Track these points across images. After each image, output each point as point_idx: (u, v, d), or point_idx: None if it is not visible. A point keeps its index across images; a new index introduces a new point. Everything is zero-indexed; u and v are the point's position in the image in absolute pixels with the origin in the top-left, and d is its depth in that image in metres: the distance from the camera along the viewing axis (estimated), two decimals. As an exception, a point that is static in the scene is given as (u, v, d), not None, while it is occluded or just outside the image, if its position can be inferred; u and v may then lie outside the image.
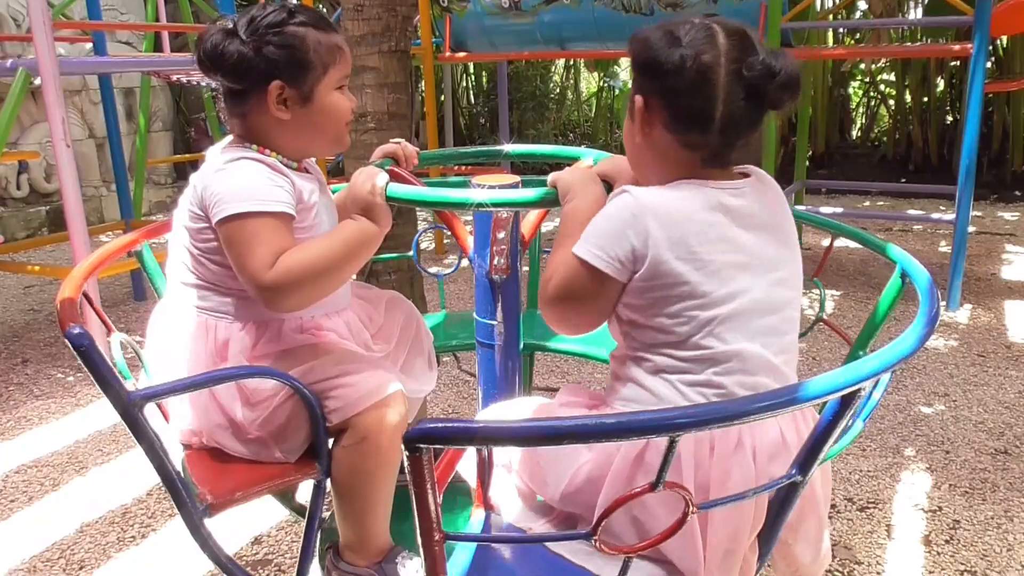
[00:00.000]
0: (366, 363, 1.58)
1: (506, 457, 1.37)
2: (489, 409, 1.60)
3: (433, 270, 5.27)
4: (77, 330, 1.22)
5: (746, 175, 1.34)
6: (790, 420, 1.25)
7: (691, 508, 0.91)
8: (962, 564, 2.21)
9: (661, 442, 1.09)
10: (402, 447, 0.88)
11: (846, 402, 1.00)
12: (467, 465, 1.72)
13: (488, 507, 1.42)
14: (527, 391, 2.45)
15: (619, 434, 0.88)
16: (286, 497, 1.81)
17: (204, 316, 1.55)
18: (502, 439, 0.88)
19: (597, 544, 0.91)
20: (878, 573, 2.18)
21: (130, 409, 1.26)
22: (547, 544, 1.28)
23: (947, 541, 2.31)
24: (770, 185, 1.36)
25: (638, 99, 1.29)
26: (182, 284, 1.57)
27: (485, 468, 1.38)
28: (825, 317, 1.80)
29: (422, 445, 0.85)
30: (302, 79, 1.53)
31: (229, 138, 1.61)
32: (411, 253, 2.75)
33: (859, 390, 0.97)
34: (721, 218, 1.25)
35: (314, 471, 1.53)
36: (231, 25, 1.51)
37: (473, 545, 1.33)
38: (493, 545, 1.36)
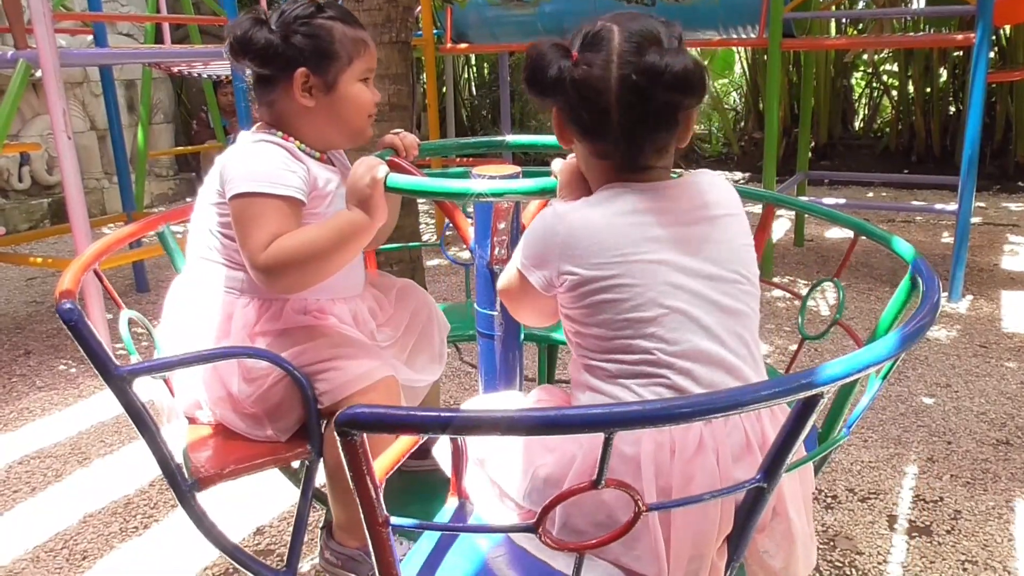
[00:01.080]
0: (360, 348, 1.62)
1: (480, 452, 1.35)
2: (471, 400, 1.63)
3: (434, 262, 5.28)
4: (68, 305, 1.26)
5: (678, 176, 1.30)
6: (755, 421, 1.20)
7: (641, 507, 0.88)
8: (963, 554, 2.21)
9: (622, 445, 1.12)
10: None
11: (808, 405, 0.92)
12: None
13: (462, 496, 1.42)
14: (549, 383, 2.45)
15: (549, 428, 0.85)
16: (295, 476, 1.84)
17: (217, 291, 1.61)
18: (427, 426, 0.84)
19: (541, 537, 0.89)
20: (879, 563, 2.18)
21: (119, 383, 1.30)
22: (513, 538, 1.27)
23: (948, 531, 2.31)
24: (706, 181, 1.31)
25: (555, 110, 1.29)
26: (201, 259, 1.64)
27: (460, 458, 1.38)
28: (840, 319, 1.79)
29: (352, 431, 0.83)
30: (327, 68, 1.61)
31: (254, 127, 1.68)
32: (414, 244, 2.76)
33: (819, 395, 0.90)
34: (643, 220, 1.21)
35: (305, 451, 1.56)
36: (262, 16, 1.60)
37: (437, 533, 1.33)
38: (465, 535, 1.33)
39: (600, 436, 0.83)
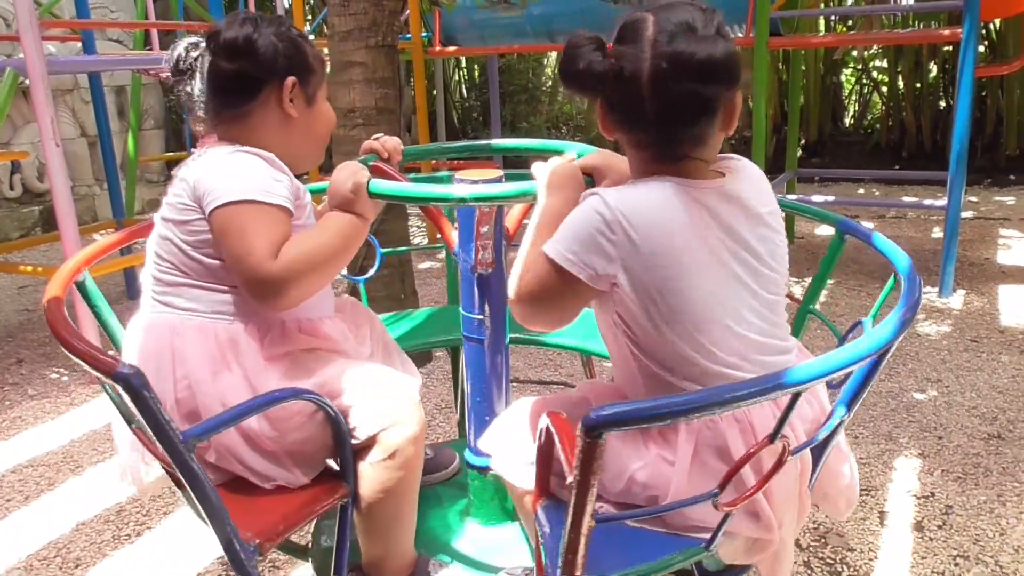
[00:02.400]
0: (382, 372, 1.56)
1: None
2: (514, 407, 1.52)
3: (425, 265, 5.28)
4: (128, 369, 1.08)
5: (726, 168, 1.33)
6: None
7: (787, 454, 1.06)
8: (955, 549, 2.22)
9: (714, 443, 1.24)
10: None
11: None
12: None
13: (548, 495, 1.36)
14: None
15: (760, 393, 0.99)
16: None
17: (198, 319, 1.47)
18: (674, 414, 0.95)
19: (720, 505, 1.06)
20: (871, 559, 2.19)
21: (183, 452, 1.15)
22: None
23: (940, 526, 2.32)
24: (749, 173, 1.35)
25: (598, 103, 1.30)
26: (169, 287, 1.50)
27: (549, 462, 1.31)
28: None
29: (601, 431, 0.91)
30: (307, 80, 1.59)
31: (211, 144, 1.57)
32: (402, 248, 2.75)
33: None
34: (698, 218, 1.24)
35: (344, 491, 1.46)
36: (257, 19, 1.55)
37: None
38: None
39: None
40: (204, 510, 1.21)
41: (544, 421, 1.19)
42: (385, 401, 1.48)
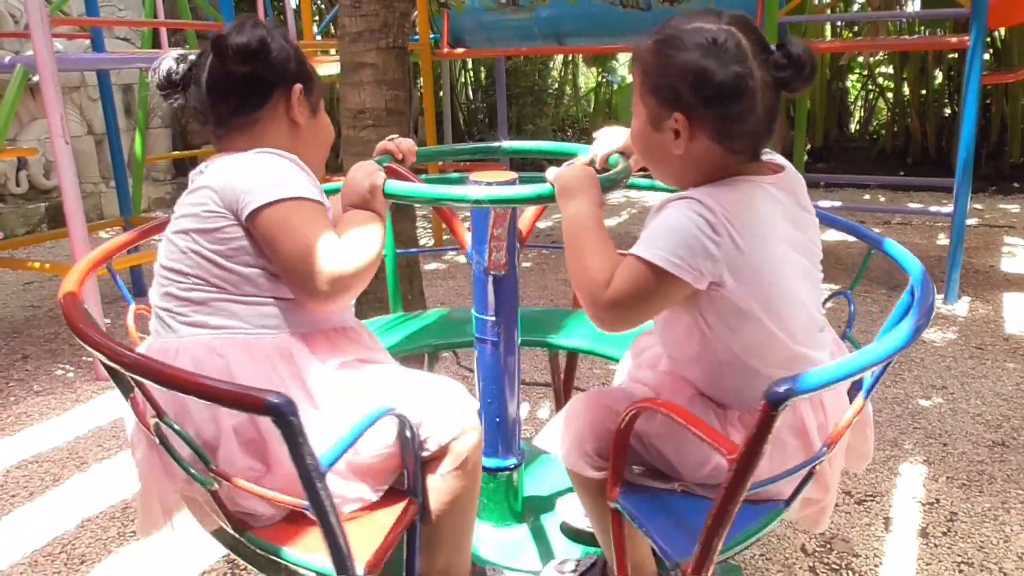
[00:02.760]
0: (439, 381, 1.53)
1: (650, 429, 1.41)
2: (571, 404, 1.52)
3: (432, 266, 5.28)
4: (277, 399, 1.02)
5: (778, 165, 1.41)
6: None
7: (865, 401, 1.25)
8: (959, 556, 2.22)
9: (793, 422, 1.36)
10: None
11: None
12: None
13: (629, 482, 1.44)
14: (566, 389, 2.46)
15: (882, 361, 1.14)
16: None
17: (240, 335, 1.39)
18: (854, 373, 1.11)
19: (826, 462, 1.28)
20: (876, 565, 2.19)
21: (314, 478, 1.09)
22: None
23: (944, 533, 2.32)
24: (789, 167, 1.43)
25: (679, 118, 1.30)
26: (196, 306, 1.40)
27: (623, 454, 1.37)
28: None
29: (785, 402, 1.02)
30: (311, 90, 1.58)
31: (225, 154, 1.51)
32: (412, 250, 2.75)
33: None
34: (775, 213, 1.33)
35: (415, 506, 1.41)
36: (264, 25, 1.52)
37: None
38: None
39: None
40: (329, 543, 1.16)
41: (600, 412, 1.37)
42: (450, 411, 1.44)
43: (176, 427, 1.22)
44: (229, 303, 1.39)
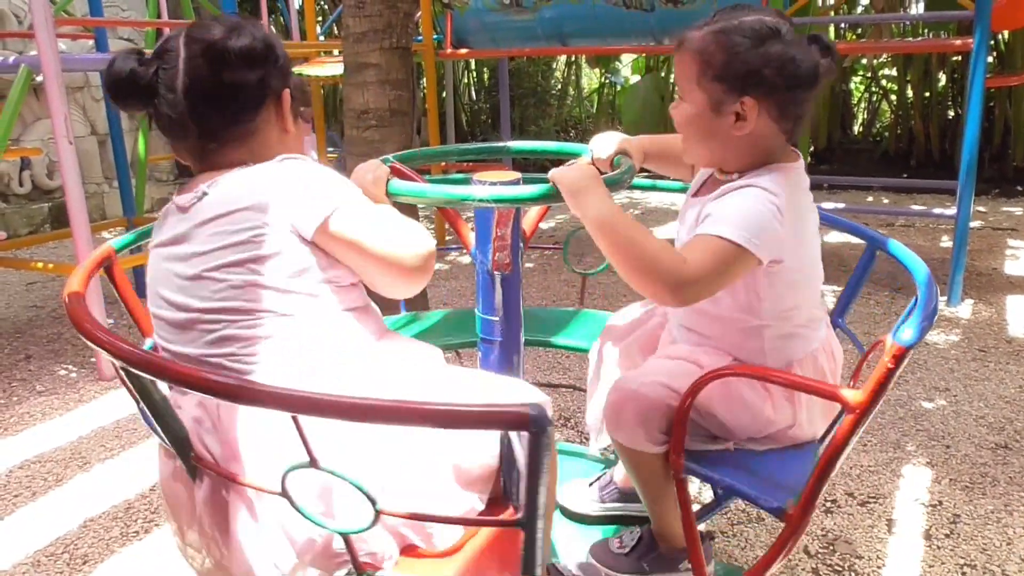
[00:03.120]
0: (498, 378, 1.53)
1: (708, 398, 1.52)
2: (615, 386, 1.55)
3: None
4: (536, 411, 0.93)
5: (795, 151, 1.55)
6: None
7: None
8: (962, 558, 2.22)
9: (815, 374, 1.57)
10: None
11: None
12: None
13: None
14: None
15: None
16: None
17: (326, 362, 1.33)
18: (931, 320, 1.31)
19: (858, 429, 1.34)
20: (879, 567, 2.19)
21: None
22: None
23: (947, 535, 2.32)
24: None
25: (747, 101, 1.43)
26: (263, 342, 1.29)
27: (682, 430, 1.47)
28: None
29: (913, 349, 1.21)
30: (293, 95, 1.48)
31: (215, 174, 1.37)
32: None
33: None
34: (809, 193, 1.53)
35: (515, 510, 1.33)
36: (254, 23, 1.43)
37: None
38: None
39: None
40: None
41: (665, 384, 1.48)
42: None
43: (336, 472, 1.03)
44: (299, 328, 1.30)
